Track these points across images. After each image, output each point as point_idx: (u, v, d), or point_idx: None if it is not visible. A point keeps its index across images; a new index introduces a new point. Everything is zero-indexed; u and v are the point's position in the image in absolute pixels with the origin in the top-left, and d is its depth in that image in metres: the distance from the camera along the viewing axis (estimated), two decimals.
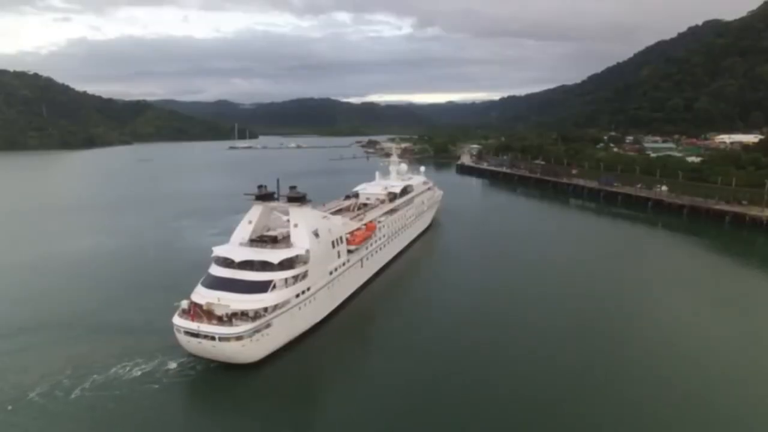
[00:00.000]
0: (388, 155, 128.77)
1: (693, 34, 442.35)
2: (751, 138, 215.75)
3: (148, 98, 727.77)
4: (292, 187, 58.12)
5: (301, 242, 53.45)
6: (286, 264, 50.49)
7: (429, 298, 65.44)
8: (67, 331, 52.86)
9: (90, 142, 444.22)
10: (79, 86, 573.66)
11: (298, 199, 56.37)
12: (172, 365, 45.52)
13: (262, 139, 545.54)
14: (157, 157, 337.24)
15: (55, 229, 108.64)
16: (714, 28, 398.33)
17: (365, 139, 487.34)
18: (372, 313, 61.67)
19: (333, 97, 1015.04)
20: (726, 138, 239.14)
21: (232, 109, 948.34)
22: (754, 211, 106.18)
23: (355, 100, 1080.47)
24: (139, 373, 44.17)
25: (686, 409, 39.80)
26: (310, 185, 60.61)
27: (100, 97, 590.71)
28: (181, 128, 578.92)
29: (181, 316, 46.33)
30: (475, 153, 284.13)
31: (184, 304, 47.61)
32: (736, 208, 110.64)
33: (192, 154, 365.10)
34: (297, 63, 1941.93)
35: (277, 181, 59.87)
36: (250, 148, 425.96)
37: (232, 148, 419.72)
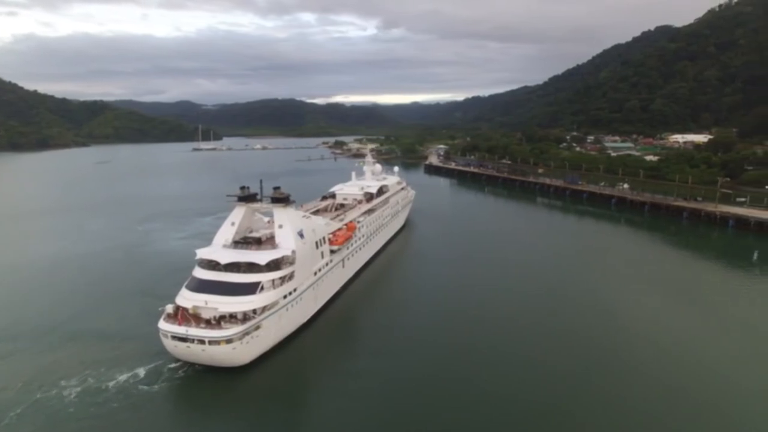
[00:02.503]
0: (356, 156, 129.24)
1: (647, 38, 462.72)
2: (702, 138, 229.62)
3: (106, 98, 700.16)
4: (276, 188, 57.80)
5: (286, 243, 53.32)
6: (273, 265, 50.31)
7: (408, 298, 66.24)
8: (36, 341, 51.13)
9: (43, 143, 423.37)
10: (28, 85, 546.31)
11: (282, 200, 56.11)
12: (157, 371, 44.56)
13: (227, 141, 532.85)
14: (116, 159, 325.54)
15: (14, 236, 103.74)
16: (666, 33, 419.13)
17: (331, 139, 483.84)
18: (355, 312, 62.17)
19: (298, 98, 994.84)
20: (680, 138, 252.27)
21: (194, 109, 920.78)
22: (709, 208, 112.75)
23: (320, 100, 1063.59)
24: (124, 380, 43.13)
25: (668, 402, 41.25)
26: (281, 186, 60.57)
27: (52, 97, 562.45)
28: (142, 129, 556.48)
29: (166, 320, 45.47)
30: (442, 153, 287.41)
31: (170, 308, 46.77)
32: (693, 205, 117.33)
33: (154, 157, 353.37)
34: (261, 63, 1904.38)
35: (260, 182, 59.42)
36: (214, 149, 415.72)
37: (195, 149, 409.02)
